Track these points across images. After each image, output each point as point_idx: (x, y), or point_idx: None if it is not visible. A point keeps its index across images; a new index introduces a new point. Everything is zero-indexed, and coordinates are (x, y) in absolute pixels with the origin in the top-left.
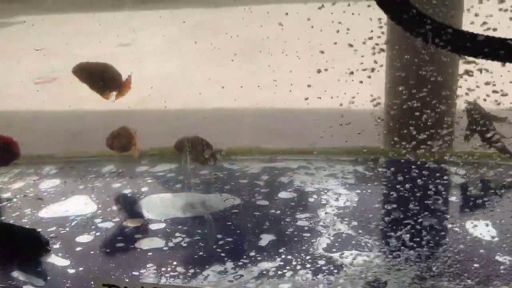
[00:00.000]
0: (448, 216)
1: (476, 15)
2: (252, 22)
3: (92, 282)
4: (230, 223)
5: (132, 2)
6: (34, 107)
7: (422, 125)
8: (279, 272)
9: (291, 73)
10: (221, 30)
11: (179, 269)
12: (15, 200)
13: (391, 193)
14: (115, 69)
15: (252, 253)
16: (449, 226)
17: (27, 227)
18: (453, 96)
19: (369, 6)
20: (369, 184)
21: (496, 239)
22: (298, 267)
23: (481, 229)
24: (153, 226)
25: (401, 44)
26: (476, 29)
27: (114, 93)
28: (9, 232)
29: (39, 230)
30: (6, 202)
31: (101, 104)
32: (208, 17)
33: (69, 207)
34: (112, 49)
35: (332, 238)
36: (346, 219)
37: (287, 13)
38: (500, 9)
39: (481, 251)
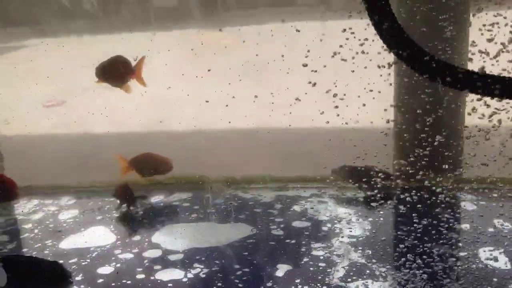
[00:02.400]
0: (461, 244)
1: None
2: (257, 42)
3: None
4: (246, 253)
5: (140, 24)
6: (44, 131)
7: (431, 150)
8: None
9: (297, 92)
10: (227, 51)
11: None
12: (36, 231)
13: (404, 220)
14: (124, 59)
15: (269, 284)
16: (462, 254)
17: (49, 259)
18: (462, 118)
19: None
20: (381, 212)
21: (509, 267)
22: None
23: (494, 257)
24: (171, 257)
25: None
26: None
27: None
28: (32, 265)
29: (61, 262)
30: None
31: (110, 126)
32: (214, 38)
33: (88, 238)
34: None
35: (347, 267)
36: (360, 248)
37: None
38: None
39: (494, 279)
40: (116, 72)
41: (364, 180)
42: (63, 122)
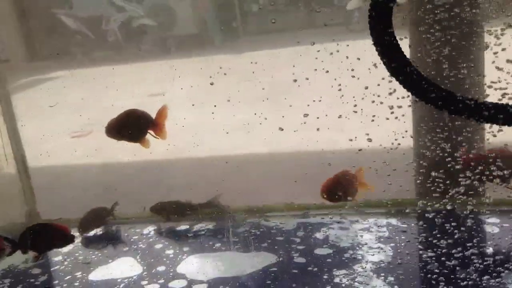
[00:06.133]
0: (485, 268)
1: None
2: (276, 66)
3: None
4: (269, 282)
5: (160, 53)
6: (72, 161)
7: (452, 172)
8: None
9: (316, 116)
10: (247, 76)
11: None
12: (66, 263)
13: (426, 245)
14: (140, 112)
15: None
16: (486, 277)
17: None
18: (482, 139)
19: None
20: (403, 237)
21: None
22: None
23: None
24: (196, 287)
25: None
26: None
27: (152, 135)
28: None
29: None
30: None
31: (134, 155)
32: (233, 63)
33: (116, 270)
34: (143, 99)
35: None
36: (382, 274)
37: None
38: None
39: None
40: (132, 127)
41: (173, 213)
42: (90, 152)
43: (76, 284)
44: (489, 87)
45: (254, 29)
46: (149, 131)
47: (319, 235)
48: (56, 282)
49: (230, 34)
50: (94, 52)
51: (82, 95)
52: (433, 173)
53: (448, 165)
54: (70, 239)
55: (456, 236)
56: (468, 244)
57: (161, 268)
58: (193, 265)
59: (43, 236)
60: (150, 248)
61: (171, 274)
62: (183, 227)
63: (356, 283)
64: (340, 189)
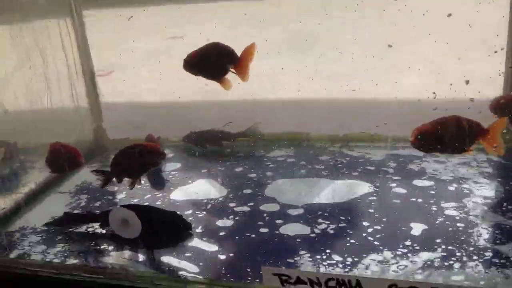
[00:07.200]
0: None
1: None
2: (300, 14)
3: (262, 272)
4: (371, 210)
5: None
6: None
7: None
8: (445, 263)
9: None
10: (271, 22)
11: (336, 257)
12: (142, 182)
13: None
14: (225, 46)
15: (408, 243)
16: None
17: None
18: None
19: None
20: (510, 174)
21: None
22: (464, 258)
23: None
24: (291, 212)
25: None
26: None
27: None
28: (152, 215)
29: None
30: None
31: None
32: (257, 9)
33: (198, 190)
34: (164, 42)
35: (490, 228)
36: (498, 209)
37: None
38: None
39: None
40: (214, 63)
41: (209, 142)
42: (115, 91)
43: (159, 203)
44: None
45: None
46: (231, 70)
47: (413, 167)
48: (136, 200)
49: None
50: None
51: (102, 36)
52: None
53: None
54: (162, 157)
55: None
56: None
57: (247, 191)
58: (281, 189)
59: (136, 159)
60: (229, 171)
61: (260, 197)
62: (258, 152)
63: (471, 216)
64: (432, 138)
